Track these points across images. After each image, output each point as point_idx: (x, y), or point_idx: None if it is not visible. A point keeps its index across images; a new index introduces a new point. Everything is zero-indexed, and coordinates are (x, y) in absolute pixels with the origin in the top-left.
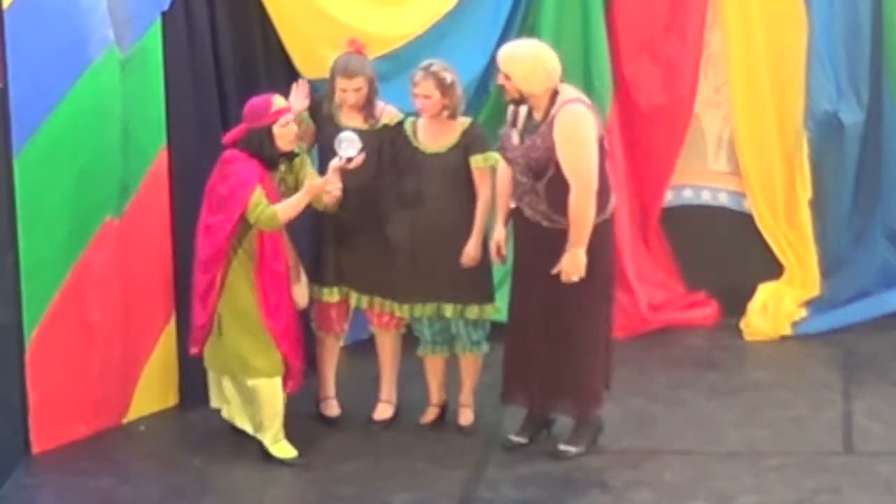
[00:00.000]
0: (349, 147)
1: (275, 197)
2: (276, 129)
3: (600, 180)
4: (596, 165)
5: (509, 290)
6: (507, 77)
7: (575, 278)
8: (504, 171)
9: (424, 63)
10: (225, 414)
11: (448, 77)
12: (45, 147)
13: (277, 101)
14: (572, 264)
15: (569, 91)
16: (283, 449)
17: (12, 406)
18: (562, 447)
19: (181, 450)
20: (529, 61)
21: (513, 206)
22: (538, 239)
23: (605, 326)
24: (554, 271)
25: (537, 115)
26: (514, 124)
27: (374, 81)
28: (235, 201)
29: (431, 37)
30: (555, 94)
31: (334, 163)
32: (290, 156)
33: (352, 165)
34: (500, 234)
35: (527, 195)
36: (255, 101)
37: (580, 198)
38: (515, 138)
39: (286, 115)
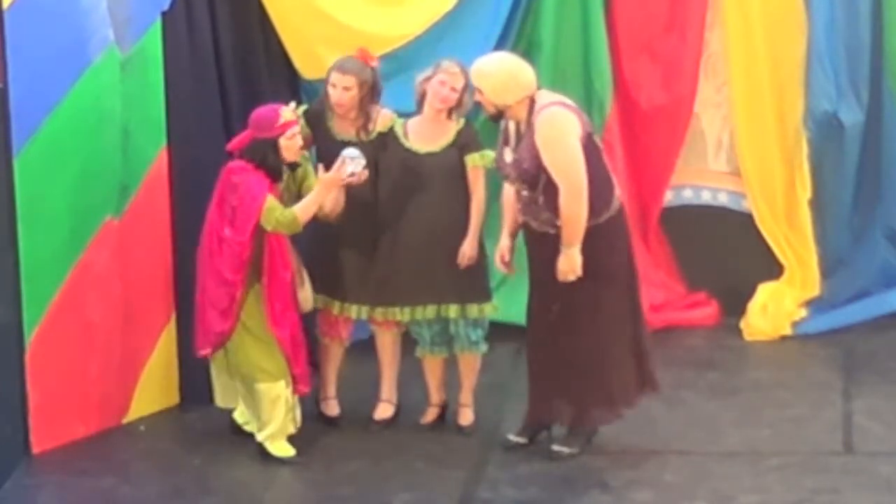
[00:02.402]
0: (352, 164)
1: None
2: (282, 142)
3: (600, 177)
4: (580, 164)
5: (526, 305)
6: (480, 92)
7: (572, 277)
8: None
9: (448, 58)
10: (236, 415)
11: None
12: (45, 147)
13: (285, 113)
14: (567, 264)
15: (545, 96)
16: (281, 447)
17: (12, 406)
18: (555, 448)
19: (181, 450)
20: (499, 74)
21: (521, 220)
22: (549, 248)
23: (635, 322)
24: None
25: (521, 127)
26: (506, 142)
27: (370, 89)
28: (248, 212)
29: (431, 37)
30: (532, 102)
31: (348, 174)
32: (293, 165)
33: (355, 181)
34: (504, 243)
35: (530, 207)
36: (262, 112)
37: (568, 197)
38: (508, 156)
39: (293, 127)
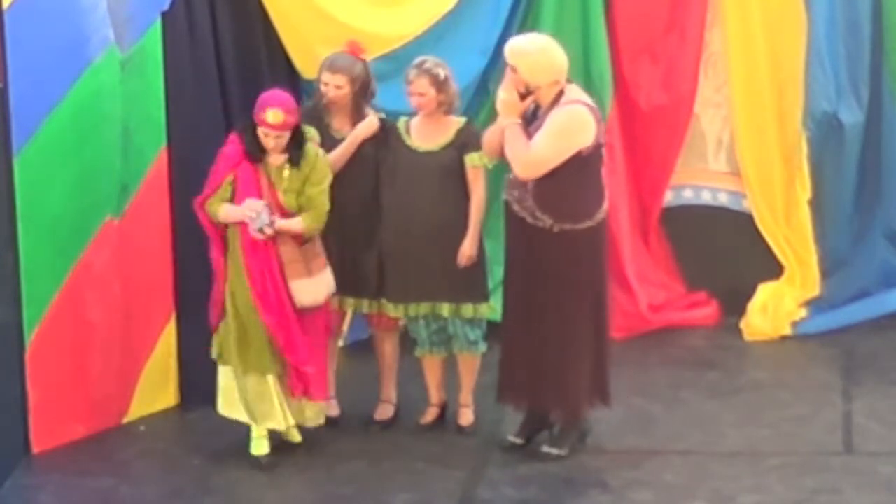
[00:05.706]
0: (257, 220)
1: (252, 187)
2: (259, 130)
3: (594, 187)
4: (552, 164)
5: (502, 285)
6: (514, 70)
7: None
8: None
9: (417, 60)
10: (223, 411)
11: (442, 73)
12: (45, 147)
13: (273, 114)
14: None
15: (576, 92)
16: (257, 445)
17: (12, 406)
18: (544, 449)
19: (181, 450)
20: (536, 54)
21: (503, 198)
22: (523, 235)
23: (596, 334)
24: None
25: (540, 112)
26: (521, 116)
27: (363, 85)
28: (210, 183)
29: (431, 37)
30: (560, 93)
31: (254, 234)
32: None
33: (263, 237)
34: None
35: (516, 189)
36: (267, 96)
37: (521, 164)
38: None
39: (265, 128)
